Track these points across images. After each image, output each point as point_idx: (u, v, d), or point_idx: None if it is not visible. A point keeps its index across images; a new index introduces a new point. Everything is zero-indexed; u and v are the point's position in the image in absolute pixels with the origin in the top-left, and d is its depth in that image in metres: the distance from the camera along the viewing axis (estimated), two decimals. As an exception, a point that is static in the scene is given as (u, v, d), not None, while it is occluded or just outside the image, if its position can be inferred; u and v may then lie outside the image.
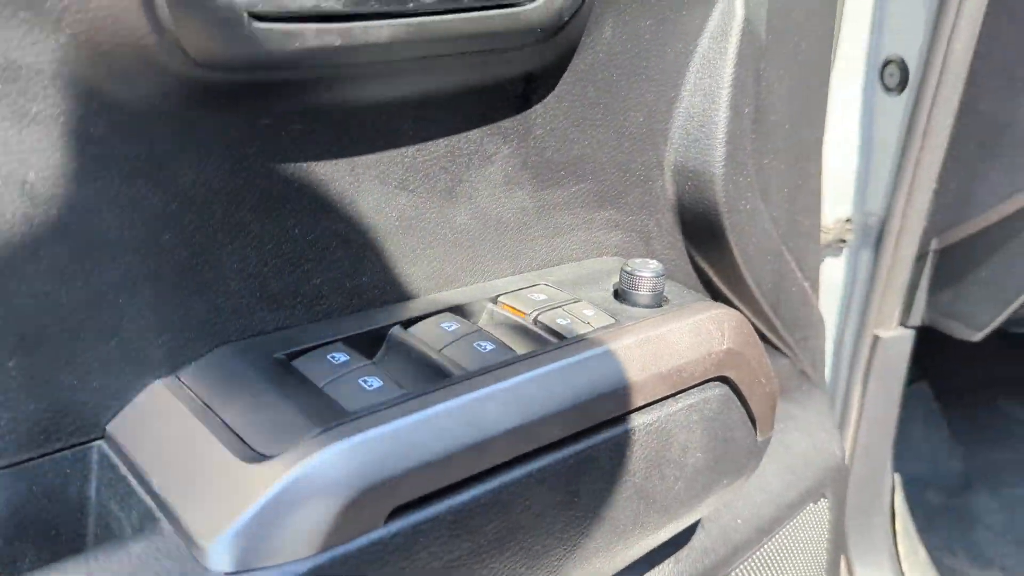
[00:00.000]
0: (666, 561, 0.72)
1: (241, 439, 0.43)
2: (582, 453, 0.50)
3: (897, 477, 1.56)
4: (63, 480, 0.46)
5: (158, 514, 0.42)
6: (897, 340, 1.28)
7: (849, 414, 1.30)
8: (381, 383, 0.47)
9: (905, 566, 1.44)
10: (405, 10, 0.46)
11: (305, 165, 0.49)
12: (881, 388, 1.30)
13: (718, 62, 0.67)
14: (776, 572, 0.83)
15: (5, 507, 0.44)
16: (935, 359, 1.79)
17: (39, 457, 0.45)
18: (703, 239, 0.73)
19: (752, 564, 0.80)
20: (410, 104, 0.52)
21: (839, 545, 0.92)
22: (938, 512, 1.65)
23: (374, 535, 0.41)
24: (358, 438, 0.42)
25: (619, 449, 0.52)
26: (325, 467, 0.40)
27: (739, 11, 0.67)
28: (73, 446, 0.45)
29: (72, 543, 0.47)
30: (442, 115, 0.54)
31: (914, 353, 1.31)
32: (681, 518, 0.59)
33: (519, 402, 0.47)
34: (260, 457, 0.41)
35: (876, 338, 1.27)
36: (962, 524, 1.65)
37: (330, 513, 0.40)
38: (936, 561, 1.53)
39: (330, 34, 0.43)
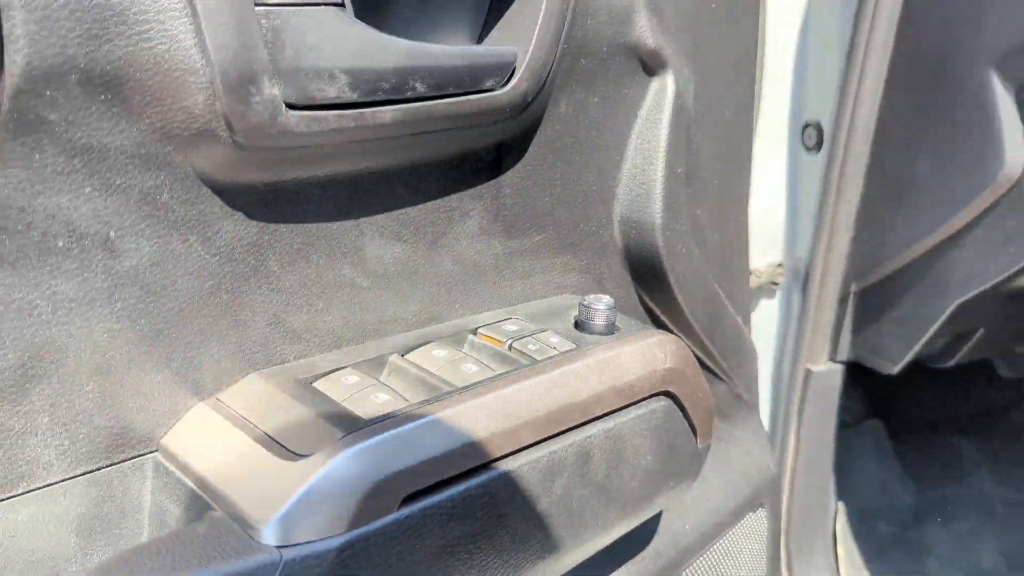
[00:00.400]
0: (625, 564, 0.82)
1: (279, 443, 0.53)
2: (553, 454, 0.60)
3: (845, 507, 1.64)
4: (124, 486, 0.55)
5: (214, 506, 0.51)
6: (828, 374, 1.41)
7: (788, 442, 1.42)
8: (388, 397, 0.57)
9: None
10: (403, 97, 0.57)
11: (321, 223, 0.60)
12: (816, 417, 1.41)
13: (655, 130, 0.79)
14: (721, 573, 0.93)
15: (78, 508, 0.53)
16: (889, 397, 1.85)
17: (107, 467, 0.54)
18: (647, 279, 0.84)
19: (700, 566, 0.90)
20: (404, 170, 0.63)
21: (777, 551, 1.03)
22: (889, 542, 1.68)
23: (390, 518, 0.51)
24: (374, 440, 0.52)
25: (582, 451, 0.62)
26: (350, 463, 0.50)
27: (671, 87, 0.79)
28: (134, 457, 0.55)
29: (131, 539, 0.55)
30: (430, 178, 0.65)
31: (868, 391, 1.39)
32: (637, 513, 0.69)
33: (499, 412, 0.57)
34: (297, 456, 0.51)
35: (808, 372, 1.39)
36: (913, 554, 1.68)
37: (354, 499, 0.50)
38: (885, 587, 1.61)
39: (347, 118, 0.54)
